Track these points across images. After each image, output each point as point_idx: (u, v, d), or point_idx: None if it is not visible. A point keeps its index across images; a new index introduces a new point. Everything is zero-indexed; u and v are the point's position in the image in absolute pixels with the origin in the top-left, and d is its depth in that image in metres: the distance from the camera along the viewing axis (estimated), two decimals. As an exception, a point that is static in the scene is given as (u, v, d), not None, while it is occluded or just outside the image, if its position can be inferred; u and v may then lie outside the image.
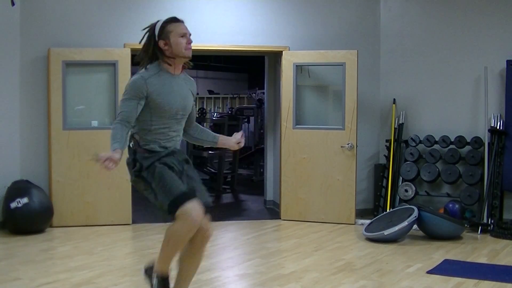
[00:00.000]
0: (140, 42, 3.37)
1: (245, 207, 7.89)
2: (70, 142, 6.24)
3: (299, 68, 6.76)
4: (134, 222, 6.48)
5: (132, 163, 3.27)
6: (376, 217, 6.10)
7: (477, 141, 6.46)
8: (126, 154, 3.30)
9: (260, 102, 11.32)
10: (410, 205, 6.04)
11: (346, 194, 6.52)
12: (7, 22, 6.16)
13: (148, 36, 3.32)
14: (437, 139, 6.68)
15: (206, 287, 4.12)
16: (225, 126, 9.93)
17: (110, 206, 6.34)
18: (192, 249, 3.27)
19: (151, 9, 6.45)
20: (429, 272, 4.50)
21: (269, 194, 7.71)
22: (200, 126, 3.68)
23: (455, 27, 6.74)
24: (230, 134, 3.78)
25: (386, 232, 5.51)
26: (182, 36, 3.29)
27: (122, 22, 6.48)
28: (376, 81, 7.13)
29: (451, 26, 6.76)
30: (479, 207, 6.27)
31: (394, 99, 7.03)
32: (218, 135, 3.67)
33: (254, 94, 12.88)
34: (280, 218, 6.76)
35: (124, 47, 6.41)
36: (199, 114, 12.07)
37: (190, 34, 3.35)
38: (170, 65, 3.33)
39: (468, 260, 4.94)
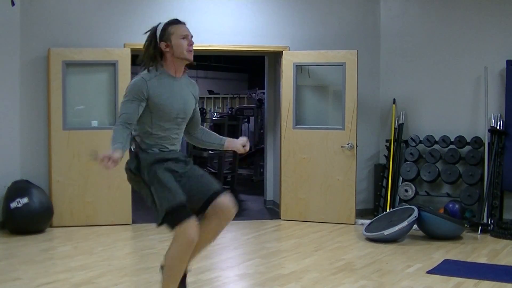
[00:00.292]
0: (144, 46, 3.36)
1: (245, 207, 7.89)
2: (70, 142, 6.24)
3: (299, 68, 6.76)
4: (134, 222, 6.48)
5: (133, 166, 3.25)
6: (376, 217, 6.10)
7: (477, 141, 6.47)
8: (126, 157, 3.30)
9: (260, 102, 11.31)
10: (410, 205, 6.05)
11: (346, 194, 6.52)
12: (7, 22, 6.16)
13: (150, 38, 3.32)
14: (437, 139, 6.68)
15: (206, 287, 4.12)
16: (225, 126, 9.91)
17: (110, 206, 6.34)
18: (213, 223, 3.28)
19: (151, 9, 6.44)
20: (429, 272, 4.50)
21: (269, 194, 7.71)
22: (206, 129, 3.68)
23: (455, 27, 6.74)
24: (230, 134, 3.78)
25: (386, 232, 5.51)
26: (183, 38, 3.28)
27: (122, 22, 6.48)
28: (376, 81, 7.13)
29: (451, 26, 6.76)
30: (479, 207, 6.27)
31: (394, 99, 7.03)
32: (225, 138, 3.66)
33: (254, 94, 12.87)
34: (280, 218, 6.76)
35: (124, 47, 6.41)
36: (199, 114, 12.02)
37: (192, 36, 3.34)
38: (171, 67, 3.32)
39: (468, 260, 4.94)
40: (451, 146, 6.61)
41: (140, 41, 5.80)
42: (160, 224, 3.20)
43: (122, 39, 6.44)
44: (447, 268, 4.63)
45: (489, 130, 6.38)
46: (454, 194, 6.57)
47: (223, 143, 3.62)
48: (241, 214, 7.36)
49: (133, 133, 3.30)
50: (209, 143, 3.64)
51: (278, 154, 7.03)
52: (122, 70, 6.32)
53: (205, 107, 14.61)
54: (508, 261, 4.88)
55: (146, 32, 3.36)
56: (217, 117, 11.02)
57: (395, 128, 6.94)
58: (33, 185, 6.05)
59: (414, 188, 6.61)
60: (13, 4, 5.56)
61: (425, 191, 6.77)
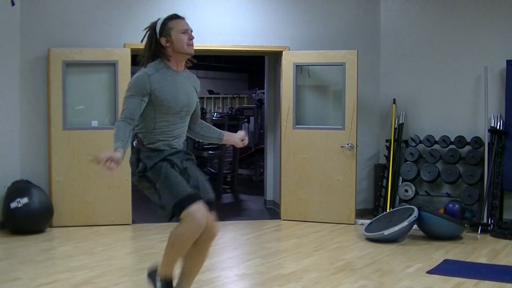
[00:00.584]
0: (141, 41, 3.36)
1: (245, 207, 7.89)
2: (70, 142, 6.24)
3: (299, 68, 6.76)
4: (134, 222, 6.48)
5: (136, 163, 3.25)
6: (376, 217, 6.10)
7: (477, 141, 6.47)
8: (129, 153, 3.29)
9: (260, 102, 11.32)
10: (410, 205, 6.04)
11: (346, 194, 6.52)
12: (7, 22, 6.16)
13: (150, 34, 3.32)
14: (437, 139, 6.68)
15: (206, 287, 4.12)
16: (225, 126, 9.92)
17: (110, 206, 6.34)
18: (198, 246, 3.26)
19: (151, 9, 6.44)
20: (429, 272, 4.50)
21: (269, 194, 7.71)
22: (205, 123, 3.67)
23: (455, 27, 6.74)
24: (230, 134, 3.77)
25: (386, 232, 5.51)
26: (183, 33, 3.28)
27: (122, 22, 6.48)
28: (376, 81, 7.13)
29: (451, 26, 6.76)
30: (479, 207, 6.27)
31: (394, 99, 7.03)
32: (223, 131, 3.68)
33: (254, 94, 12.87)
34: (280, 218, 6.76)
35: (124, 47, 6.41)
36: (199, 114, 12.02)
37: (191, 31, 3.34)
38: (172, 62, 3.32)
39: (468, 260, 4.93)
40: (451, 146, 6.61)
41: (140, 41, 5.75)
42: (170, 219, 3.16)
43: (122, 39, 6.44)
44: (447, 268, 4.63)
45: (489, 130, 6.38)
46: (454, 194, 6.57)
47: (221, 137, 3.63)
48: (241, 214, 7.37)
49: (136, 128, 3.28)
50: (208, 137, 3.65)
51: (278, 154, 7.03)
52: (122, 70, 6.32)
53: (205, 107, 14.61)
54: (508, 261, 4.87)
55: (145, 28, 3.35)
56: (217, 117, 11.03)
57: (395, 128, 6.94)
58: (33, 185, 6.05)
59: (414, 188, 6.61)
60: (13, 4, 5.57)
61: (425, 191, 6.77)
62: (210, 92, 15.23)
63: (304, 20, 6.91)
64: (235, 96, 14.94)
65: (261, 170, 9.67)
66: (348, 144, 6.48)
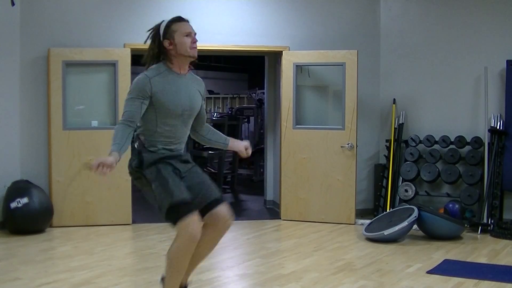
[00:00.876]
0: (144, 42, 3.35)
1: (245, 207, 7.89)
2: (70, 142, 6.24)
3: (299, 68, 6.76)
4: (134, 222, 6.48)
5: (137, 163, 3.24)
6: (376, 217, 6.10)
7: (477, 141, 6.47)
8: (129, 155, 3.29)
9: (260, 102, 11.31)
10: (410, 205, 6.05)
11: (346, 194, 6.52)
12: (7, 22, 6.16)
13: (153, 36, 3.31)
14: (437, 139, 6.68)
15: (206, 287, 4.12)
16: (225, 126, 9.92)
17: (110, 206, 6.34)
18: (210, 234, 3.27)
19: (151, 9, 6.45)
20: (429, 272, 4.50)
21: (269, 194, 7.71)
22: (211, 127, 3.66)
23: (455, 27, 6.74)
24: (230, 135, 3.77)
25: (386, 232, 5.51)
26: (187, 36, 3.27)
27: (122, 22, 6.49)
28: (376, 81, 7.13)
29: (451, 26, 6.76)
30: (479, 207, 6.27)
31: (394, 99, 7.03)
32: (229, 138, 3.66)
33: (254, 94, 12.86)
34: (280, 218, 6.76)
35: (124, 47, 6.41)
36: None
37: (195, 34, 3.33)
38: (175, 64, 3.31)
39: (468, 260, 4.94)
40: (451, 146, 6.61)
41: (140, 41, 5.79)
42: (165, 219, 3.17)
43: (122, 39, 6.44)
44: (447, 268, 4.63)
45: (489, 130, 6.38)
46: (454, 194, 6.57)
47: (227, 143, 3.62)
48: (241, 214, 7.36)
49: (137, 130, 3.28)
50: (214, 141, 3.64)
51: (278, 154, 7.03)
52: (122, 70, 6.32)
53: (205, 107, 14.60)
54: (508, 261, 4.88)
55: (149, 30, 3.35)
56: (217, 117, 11.02)
57: (395, 128, 6.94)
58: (33, 185, 6.05)
59: (414, 188, 6.61)
60: (13, 4, 5.56)
61: (425, 191, 6.77)
62: (210, 92, 15.22)
63: (304, 20, 6.91)
64: (235, 96, 14.93)
65: (261, 170, 9.67)
66: (348, 144, 6.48)
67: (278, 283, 4.23)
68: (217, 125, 10.36)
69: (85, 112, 6.49)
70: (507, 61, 6.31)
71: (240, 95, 14.82)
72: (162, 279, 3.44)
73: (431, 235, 5.72)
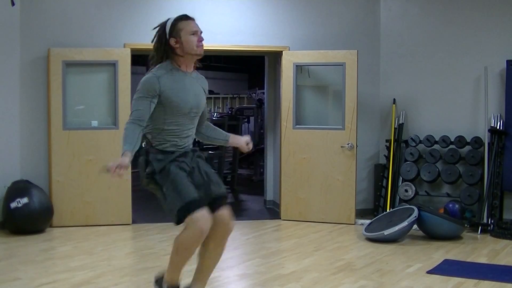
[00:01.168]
0: (152, 41, 3.35)
1: (245, 207, 7.89)
2: (70, 142, 6.24)
3: (299, 68, 6.76)
4: (134, 222, 6.48)
5: (144, 164, 3.24)
6: (376, 217, 6.10)
7: (477, 141, 6.46)
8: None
9: (260, 102, 11.31)
10: (410, 205, 6.05)
11: (346, 194, 6.52)
12: (7, 22, 6.16)
13: (159, 35, 3.31)
14: (437, 139, 6.67)
15: (206, 287, 4.11)
16: (225, 126, 9.92)
17: (110, 206, 6.34)
18: (214, 241, 3.27)
19: (151, 9, 6.45)
20: (429, 272, 4.50)
21: (269, 194, 7.71)
22: (211, 124, 3.67)
23: (455, 27, 6.74)
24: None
25: (386, 232, 5.51)
26: (193, 34, 3.28)
27: (122, 22, 6.48)
28: (376, 81, 7.12)
29: (451, 26, 6.76)
30: (479, 207, 6.27)
31: (394, 99, 7.03)
32: (229, 134, 3.67)
33: (254, 94, 12.86)
34: (280, 218, 6.76)
35: (124, 47, 6.41)
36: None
37: (201, 32, 3.34)
38: (182, 63, 3.31)
39: (468, 260, 4.94)
40: (451, 146, 6.61)
41: (140, 41, 5.81)
42: (177, 223, 3.16)
43: (122, 39, 6.44)
44: (447, 268, 4.63)
45: (489, 130, 6.38)
46: (454, 194, 6.57)
47: (227, 139, 3.63)
48: (241, 214, 7.36)
49: (145, 129, 3.27)
50: (214, 138, 3.64)
51: (278, 154, 7.02)
52: (122, 70, 6.32)
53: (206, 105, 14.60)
54: (508, 261, 4.88)
55: (155, 28, 3.34)
56: (217, 117, 11.03)
57: (395, 128, 6.93)
58: (33, 185, 6.05)
59: (414, 188, 6.61)
60: (13, 4, 5.56)
61: (425, 191, 6.77)
62: (210, 92, 15.18)
63: (304, 20, 6.90)
64: (235, 96, 14.92)
65: (261, 170, 9.67)
66: (348, 144, 6.48)
67: (278, 283, 4.23)
68: (217, 125, 10.23)
69: (85, 112, 6.49)
70: (507, 61, 6.31)
71: (240, 95, 14.81)
72: (156, 281, 3.44)
73: (431, 235, 5.72)
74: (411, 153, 6.78)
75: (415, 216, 5.58)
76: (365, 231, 5.74)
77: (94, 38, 6.42)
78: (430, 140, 6.71)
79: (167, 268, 3.33)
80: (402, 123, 6.94)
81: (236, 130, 10.54)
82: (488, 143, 6.36)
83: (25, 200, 5.82)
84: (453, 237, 5.70)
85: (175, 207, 3.11)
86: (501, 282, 4.20)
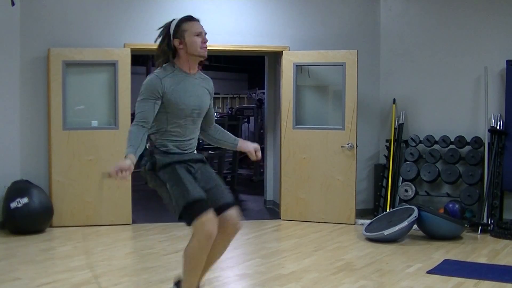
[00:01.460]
0: (155, 41, 3.35)
1: (245, 207, 7.88)
2: (70, 142, 6.24)
3: (299, 68, 6.76)
4: (134, 222, 6.48)
5: (149, 165, 3.23)
6: (376, 217, 6.10)
7: (477, 141, 6.46)
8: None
9: (260, 102, 11.31)
10: (410, 205, 6.05)
11: (346, 194, 6.52)
12: (7, 22, 6.16)
13: (163, 35, 3.30)
14: (437, 139, 6.68)
15: (206, 287, 4.12)
16: (225, 126, 9.93)
17: (110, 206, 6.34)
18: (220, 238, 3.26)
19: (151, 9, 6.45)
20: (429, 272, 4.50)
21: (269, 194, 7.71)
22: (220, 127, 3.66)
23: (455, 27, 6.74)
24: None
25: (386, 232, 5.51)
26: (197, 35, 3.28)
27: (122, 22, 6.48)
28: (376, 81, 7.13)
29: (451, 26, 6.76)
30: (479, 207, 6.27)
31: (394, 99, 7.03)
32: (238, 138, 3.66)
33: (254, 94, 12.87)
34: (280, 218, 6.76)
35: (124, 47, 6.41)
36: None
37: (205, 33, 3.34)
38: (185, 64, 3.30)
39: (468, 260, 4.94)
40: (451, 146, 6.61)
41: (140, 41, 5.81)
42: (179, 219, 3.16)
43: (122, 39, 6.44)
44: (447, 268, 4.63)
45: (489, 130, 6.38)
46: (454, 194, 6.57)
47: (236, 143, 3.62)
48: (241, 214, 7.35)
49: (149, 131, 3.26)
50: (223, 141, 3.63)
51: (278, 154, 7.03)
52: (122, 70, 6.32)
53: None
54: (508, 261, 4.88)
55: (159, 29, 3.34)
56: (217, 117, 11.03)
57: (395, 128, 6.94)
58: (33, 185, 6.05)
59: (414, 188, 6.61)
60: (13, 4, 5.56)
61: (425, 191, 6.77)
62: (210, 92, 15.21)
63: (304, 20, 6.90)
64: (235, 96, 14.94)
65: (261, 170, 9.67)
66: (348, 144, 6.48)
67: (278, 283, 4.23)
68: (217, 125, 10.36)
69: (85, 112, 6.49)
70: (507, 61, 6.31)
71: (240, 95, 14.83)
72: (176, 284, 3.43)
73: (431, 235, 5.72)
74: (411, 153, 6.78)
75: (415, 216, 5.59)
76: (365, 231, 5.74)
77: (94, 38, 6.42)
78: (430, 140, 6.71)
79: (183, 280, 3.30)
80: (402, 123, 6.94)
81: (236, 130, 10.54)
82: (488, 143, 6.36)
83: (25, 200, 5.82)
84: (453, 237, 5.70)
85: (180, 204, 3.10)
86: (501, 282, 4.20)
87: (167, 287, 4.06)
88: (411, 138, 6.84)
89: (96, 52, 6.30)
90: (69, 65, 6.27)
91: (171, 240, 5.66)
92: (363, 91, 6.82)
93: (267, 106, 7.80)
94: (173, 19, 3.33)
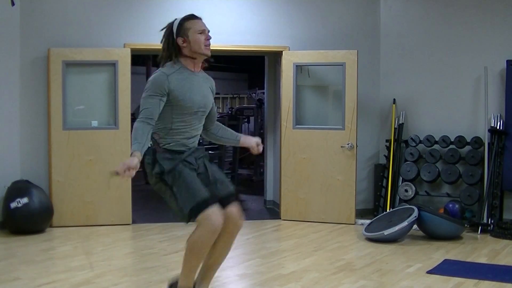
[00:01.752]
0: (161, 42, 3.35)
1: (245, 207, 7.87)
2: (70, 142, 6.24)
3: (299, 68, 6.76)
4: (134, 222, 6.48)
5: (152, 164, 3.22)
6: (376, 217, 6.10)
7: (477, 141, 6.46)
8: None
9: (260, 102, 11.31)
10: (410, 205, 6.05)
11: (346, 194, 6.52)
12: (7, 22, 6.16)
13: (167, 34, 3.31)
14: (437, 139, 6.68)
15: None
16: (225, 126, 9.93)
17: (110, 206, 6.34)
18: (223, 238, 3.26)
19: (151, 9, 6.45)
20: (429, 272, 4.50)
21: (269, 194, 7.71)
22: (222, 125, 3.67)
23: (455, 27, 6.74)
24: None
25: (386, 232, 5.51)
26: (200, 33, 3.28)
27: (122, 22, 6.48)
28: (376, 81, 7.13)
29: (451, 26, 6.76)
30: (479, 207, 6.27)
31: (394, 99, 7.03)
32: (240, 134, 3.67)
33: (254, 94, 12.86)
34: (280, 218, 6.76)
35: (124, 47, 6.41)
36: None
37: (208, 31, 3.34)
38: (189, 62, 3.31)
39: (468, 260, 4.94)
40: (451, 146, 6.61)
41: (140, 41, 5.81)
42: (187, 221, 3.16)
43: (122, 39, 6.44)
44: (447, 268, 4.63)
45: (489, 130, 6.38)
46: (454, 194, 6.57)
47: (238, 139, 3.63)
48: (243, 211, 7.35)
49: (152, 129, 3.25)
50: (225, 138, 3.65)
51: (278, 154, 7.02)
52: (122, 70, 6.32)
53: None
54: (508, 261, 4.88)
55: (162, 29, 3.35)
56: (217, 117, 11.01)
57: (395, 128, 6.94)
58: (33, 185, 6.05)
59: (414, 188, 6.61)
60: (13, 4, 5.56)
61: (425, 191, 6.77)
62: (210, 92, 15.20)
63: (304, 20, 6.90)
64: (235, 96, 14.92)
65: (261, 170, 9.67)
66: (348, 144, 6.48)
67: (278, 283, 4.23)
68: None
69: (85, 112, 6.49)
70: (507, 61, 6.31)
71: (240, 95, 14.82)
72: (170, 286, 3.43)
73: (431, 235, 5.72)
74: (411, 153, 6.78)
75: (415, 216, 5.58)
76: (365, 231, 5.74)
77: (94, 38, 6.42)
78: (430, 140, 6.71)
79: (180, 273, 3.29)
80: (402, 123, 6.94)
81: (236, 130, 10.48)
82: (488, 143, 6.36)
83: (25, 200, 5.82)
84: (453, 237, 5.70)
85: (187, 207, 3.10)
86: (501, 282, 4.20)
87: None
88: (411, 138, 6.84)
89: (96, 52, 6.30)
90: (69, 65, 6.27)
91: (171, 240, 5.65)
92: (363, 91, 6.82)
93: (267, 106, 7.80)
94: (176, 19, 3.34)
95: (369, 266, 4.72)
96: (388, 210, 6.43)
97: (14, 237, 5.75)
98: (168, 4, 6.49)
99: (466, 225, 5.94)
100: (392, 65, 7.08)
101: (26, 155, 6.31)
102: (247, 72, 16.54)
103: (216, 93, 11.26)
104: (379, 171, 6.99)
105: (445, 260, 4.90)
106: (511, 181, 6.22)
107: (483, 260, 4.94)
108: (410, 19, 7.02)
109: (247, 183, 10.23)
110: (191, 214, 3.10)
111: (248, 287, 4.27)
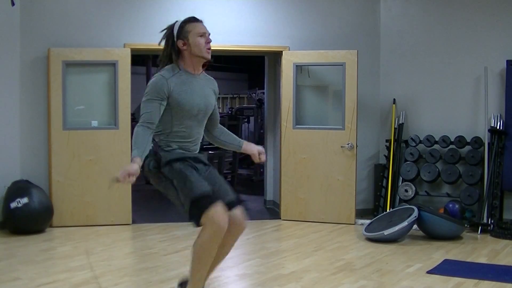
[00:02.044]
0: (159, 44, 3.35)
1: (245, 207, 7.88)
2: (70, 142, 6.24)
3: (299, 68, 6.76)
4: (134, 222, 6.48)
5: (154, 162, 3.22)
6: (376, 217, 6.10)
7: (477, 141, 6.46)
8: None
9: (260, 102, 11.32)
10: (410, 205, 6.05)
11: (346, 194, 6.52)
12: (7, 22, 6.16)
13: (167, 37, 3.30)
14: (437, 139, 6.68)
15: (206, 287, 4.12)
16: (225, 126, 9.90)
17: (110, 206, 6.34)
18: (225, 239, 3.25)
19: (151, 9, 6.45)
20: (429, 272, 4.50)
21: (269, 194, 7.71)
22: (225, 129, 3.65)
23: (455, 27, 6.74)
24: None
25: (386, 232, 5.51)
26: (201, 36, 3.27)
27: (122, 22, 6.48)
28: (376, 81, 7.13)
29: (451, 26, 6.76)
30: (479, 207, 6.27)
31: (394, 99, 7.03)
32: (242, 140, 3.66)
33: (254, 94, 12.86)
34: (280, 218, 6.76)
35: (124, 47, 6.41)
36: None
37: (209, 34, 3.33)
38: (189, 65, 3.30)
39: (468, 260, 4.94)
40: (451, 146, 6.61)
41: (140, 41, 5.82)
42: (190, 219, 3.14)
43: (122, 39, 6.44)
44: (447, 268, 4.63)
45: (489, 130, 6.38)
46: (454, 194, 6.57)
47: (241, 145, 3.61)
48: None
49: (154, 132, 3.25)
50: (227, 143, 3.63)
51: (278, 154, 7.03)
52: (122, 70, 6.32)
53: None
54: (508, 261, 4.88)
55: (162, 31, 3.34)
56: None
57: (395, 128, 6.94)
58: (33, 185, 6.05)
59: (414, 188, 6.61)
60: (13, 4, 5.56)
61: (425, 191, 6.77)
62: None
63: (304, 20, 6.91)
64: (235, 96, 14.93)
65: (261, 170, 9.67)
66: (348, 144, 6.48)
67: (278, 283, 4.23)
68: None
69: (85, 112, 6.49)
70: (507, 61, 6.31)
71: (240, 95, 14.82)
72: (180, 284, 3.42)
73: (431, 235, 5.72)
74: (411, 153, 6.78)
75: (415, 216, 5.59)
76: (365, 231, 5.74)
77: (94, 38, 6.42)
78: (430, 140, 6.71)
79: (190, 278, 3.28)
80: (402, 123, 6.94)
81: (236, 130, 10.54)
82: (488, 143, 6.36)
83: (25, 200, 5.82)
84: (453, 237, 5.70)
85: (188, 200, 3.09)
86: (501, 282, 4.20)
87: (167, 287, 4.06)
88: (411, 138, 6.84)
89: (96, 52, 6.30)
90: (69, 65, 6.27)
91: (171, 240, 5.65)
92: (363, 91, 6.82)
93: (267, 106, 7.80)
94: (176, 21, 3.33)
95: (369, 266, 4.72)
96: (388, 210, 6.43)
97: (14, 237, 5.75)
98: (168, 4, 6.49)
99: (466, 225, 5.94)
100: (392, 65, 7.08)
101: (26, 155, 6.32)
102: (247, 72, 16.54)
103: (216, 93, 10.78)
104: (379, 171, 7.00)
105: (445, 260, 4.90)
106: (511, 181, 6.22)
107: (483, 260, 4.94)
108: (410, 19, 7.02)
109: (247, 183, 10.23)
110: (192, 208, 3.07)
111: (248, 287, 4.27)
